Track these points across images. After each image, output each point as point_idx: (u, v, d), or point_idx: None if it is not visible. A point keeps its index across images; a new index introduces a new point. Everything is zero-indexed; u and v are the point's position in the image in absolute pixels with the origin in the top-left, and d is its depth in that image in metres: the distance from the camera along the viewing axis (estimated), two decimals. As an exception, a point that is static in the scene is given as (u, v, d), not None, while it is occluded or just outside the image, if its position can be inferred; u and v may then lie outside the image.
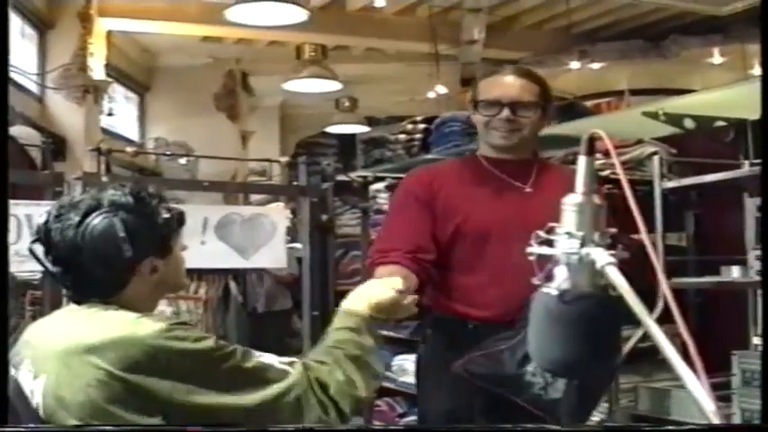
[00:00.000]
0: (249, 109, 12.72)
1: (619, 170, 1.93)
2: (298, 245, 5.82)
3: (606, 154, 1.98)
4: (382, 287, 2.56)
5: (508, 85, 3.44)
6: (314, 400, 2.26)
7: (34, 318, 6.59)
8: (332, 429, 2.03)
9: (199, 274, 6.27)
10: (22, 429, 1.46)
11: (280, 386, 2.25)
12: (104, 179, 5.07)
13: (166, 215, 2.43)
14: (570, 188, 1.86)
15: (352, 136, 9.44)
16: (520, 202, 3.36)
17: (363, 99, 11.69)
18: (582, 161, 1.90)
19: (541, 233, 1.87)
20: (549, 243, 1.86)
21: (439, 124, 6.83)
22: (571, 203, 1.85)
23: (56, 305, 5.16)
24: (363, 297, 2.50)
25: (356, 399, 2.33)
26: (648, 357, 4.63)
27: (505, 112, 3.38)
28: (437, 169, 3.70)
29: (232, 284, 6.06)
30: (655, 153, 4.82)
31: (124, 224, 2.30)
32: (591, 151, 1.91)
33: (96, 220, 2.29)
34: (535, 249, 1.87)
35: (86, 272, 2.31)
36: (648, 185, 4.70)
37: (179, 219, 2.50)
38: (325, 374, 2.29)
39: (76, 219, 2.30)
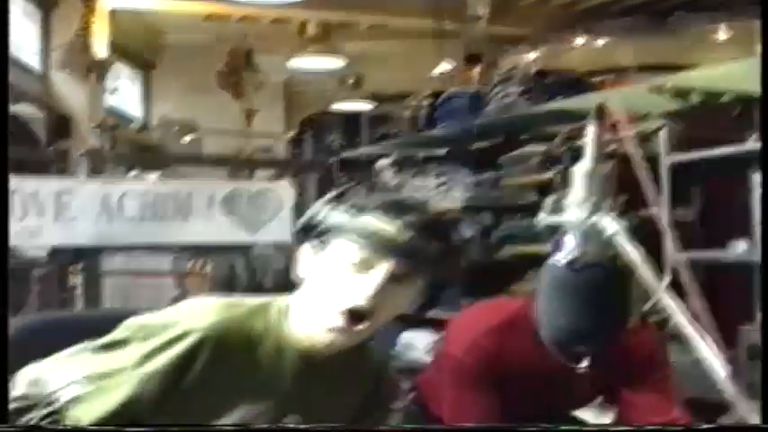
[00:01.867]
0: (254, 87, 12.67)
1: (628, 139, 1.92)
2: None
3: (613, 128, 1.97)
4: None
5: None
6: None
7: (40, 295, 6.62)
8: (333, 429, 2.00)
9: (206, 250, 6.29)
10: (23, 429, 1.45)
11: None
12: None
13: None
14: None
15: (357, 113, 9.42)
16: None
17: (368, 76, 11.66)
18: (591, 130, 1.90)
19: (550, 201, 1.87)
20: (558, 211, 1.85)
21: (444, 100, 6.83)
22: (580, 171, 1.84)
23: (63, 282, 5.19)
24: None
25: None
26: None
27: None
28: None
29: (238, 261, 6.06)
30: (661, 128, 4.81)
31: None
32: (600, 120, 1.90)
33: None
34: (544, 219, 1.87)
35: None
36: (654, 161, 4.69)
37: None
38: None
39: None
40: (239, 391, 2.21)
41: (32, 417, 2.19)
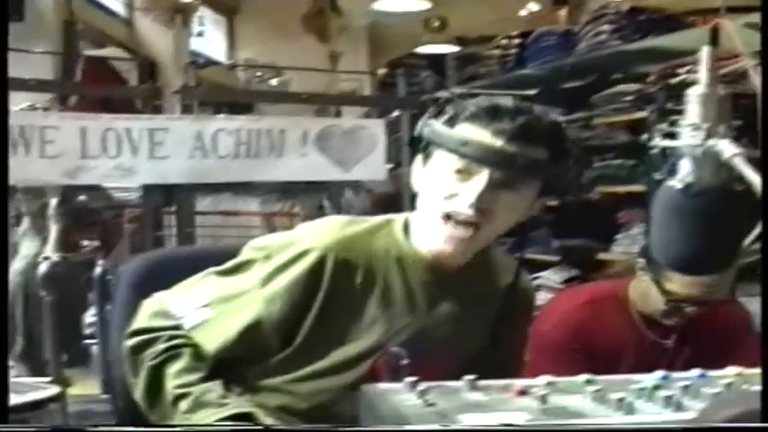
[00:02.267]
0: (338, 30, 12.64)
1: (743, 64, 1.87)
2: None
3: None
4: None
5: None
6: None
7: (133, 237, 6.69)
8: (333, 429, 1.99)
9: (294, 189, 6.29)
10: (24, 429, 1.46)
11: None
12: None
13: None
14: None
15: (442, 56, 9.34)
16: None
17: (453, 18, 11.56)
18: (705, 51, 1.84)
19: (665, 125, 1.82)
20: (673, 135, 1.81)
21: (534, 39, 6.76)
22: (695, 94, 1.79)
23: (157, 222, 5.22)
24: None
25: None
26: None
27: None
28: None
29: (326, 202, 6.06)
30: (758, 64, 4.70)
31: None
32: (714, 41, 1.84)
33: None
34: (659, 142, 1.82)
35: None
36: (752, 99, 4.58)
37: None
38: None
39: None
40: (371, 310, 2.22)
41: (154, 350, 2.22)
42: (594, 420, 1.59)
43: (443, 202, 2.12)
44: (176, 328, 2.24)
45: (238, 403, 2.16)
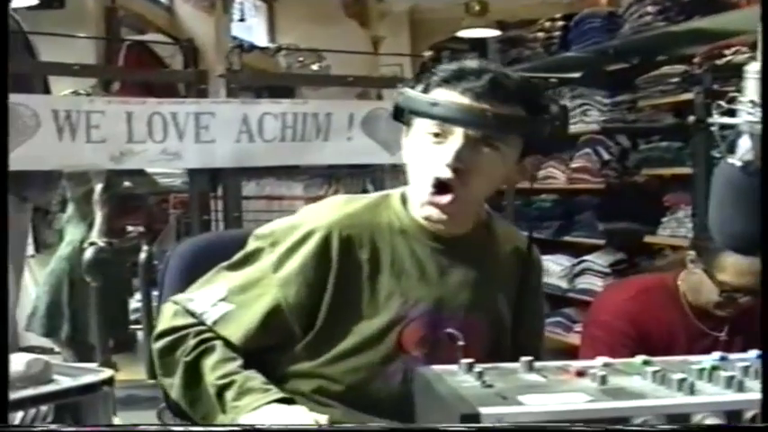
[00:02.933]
0: (379, 15, 12.63)
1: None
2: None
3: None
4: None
5: None
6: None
7: (179, 222, 6.71)
8: (333, 429, 1.98)
9: (338, 173, 6.29)
10: (24, 429, 1.46)
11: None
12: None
13: None
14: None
15: (483, 41, 9.30)
16: None
17: (493, 2, 11.50)
18: (761, 28, 1.81)
19: (723, 103, 1.80)
20: (732, 113, 1.78)
21: (578, 21, 6.71)
22: (753, 71, 1.77)
23: (204, 206, 5.22)
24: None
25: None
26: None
27: None
28: None
29: (370, 186, 6.05)
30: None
31: None
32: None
33: None
34: (717, 119, 1.80)
35: None
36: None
37: None
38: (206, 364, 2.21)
39: None
40: (384, 284, 2.24)
41: (185, 347, 2.22)
42: (656, 401, 1.57)
43: (426, 167, 2.15)
44: (200, 324, 2.26)
45: (280, 389, 2.17)
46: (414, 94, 2.18)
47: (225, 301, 2.24)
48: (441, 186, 2.14)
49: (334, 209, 2.29)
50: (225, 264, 2.33)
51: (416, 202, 2.23)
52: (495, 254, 2.36)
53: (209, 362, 2.19)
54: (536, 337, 2.42)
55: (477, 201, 2.26)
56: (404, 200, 2.30)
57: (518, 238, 2.41)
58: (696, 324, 3.38)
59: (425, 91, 2.17)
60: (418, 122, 2.18)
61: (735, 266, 3.14)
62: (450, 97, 2.12)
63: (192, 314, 2.27)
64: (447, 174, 2.11)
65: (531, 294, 2.41)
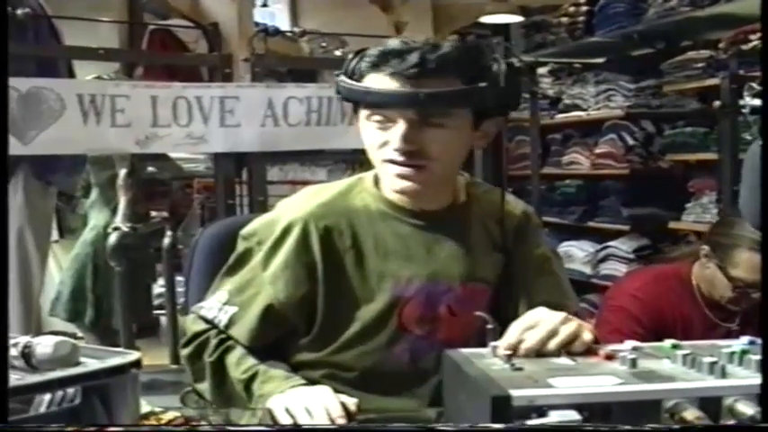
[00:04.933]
0: (401, 0, 12.60)
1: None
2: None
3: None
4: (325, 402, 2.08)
5: None
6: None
7: (203, 207, 6.71)
8: (333, 429, 1.98)
9: (360, 160, 6.27)
10: (25, 429, 1.46)
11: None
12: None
13: None
14: None
15: (506, 26, 9.28)
16: None
17: (517, -13, 11.47)
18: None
19: (755, 84, 1.79)
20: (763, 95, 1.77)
21: (603, 6, 6.68)
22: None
23: (230, 190, 5.21)
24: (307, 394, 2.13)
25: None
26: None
27: None
28: None
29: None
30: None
31: None
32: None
33: None
34: (749, 102, 1.79)
35: None
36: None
37: None
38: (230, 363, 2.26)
39: None
40: (372, 267, 2.26)
41: (209, 348, 2.29)
42: (689, 384, 1.57)
43: (379, 151, 2.16)
44: (216, 328, 2.31)
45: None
46: (349, 83, 2.17)
47: (228, 305, 2.29)
48: (402, 168, 2.15)
49: (307, 200, 2.31)
50: (224, 269, 2.37)
51: (385, 184, 2.25)
52: (481, 220, 2.35)
53: (232, 359, 2.25)
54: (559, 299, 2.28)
55: (444, 173, 2.23)
56: (376, 181, 2.31)
57: (508, 202, 2.37)
58: (708, 315, 3.40)
59: (358, 78, 2.16)
60: (361, 110, 2.20)
61: (748, 263, 3.15)
62: (380, 83, 2.11)
63: (207, 320, 2.32)
64: (399, 158, 2.12)
65: (532, 254, 2.38)
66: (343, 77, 2.20)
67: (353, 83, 2.16)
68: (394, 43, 2.15)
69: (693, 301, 3.41)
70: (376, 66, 2.12)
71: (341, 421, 1.97)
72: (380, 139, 2.14)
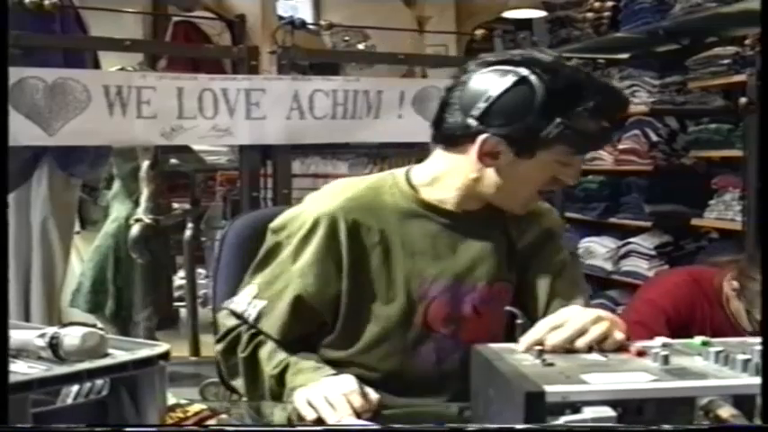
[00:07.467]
0: (424, -7, 12.57)
1: None
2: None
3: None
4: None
5: None
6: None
7: (225, 199, 6.72)
8: (334, 429, 1.98)
9: (383, 154, 6.28)
10: (23, 429, 1.45)
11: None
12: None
13: None
14: None
15: (529, 21, 9.26)
16: None
17: (540, -18, 11.44)
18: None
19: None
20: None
21: (628, 1, 6.65)
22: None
23: (254, 182, 5.21)
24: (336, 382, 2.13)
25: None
26: None
27: None
28: None
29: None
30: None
31: None
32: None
33: None
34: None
35: None
36: None
37: None
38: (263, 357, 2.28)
39: None
40: (398, 264, 2.27)
41: (241, 344, 2.30)
42: (723, 381, 1.56)
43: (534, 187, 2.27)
44: (246, 321, 2.32)
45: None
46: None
47: (258, 298, 2.30)
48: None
49: (336, 194, 2.31)
50: (254, 263, 2.38)
51: (447, 189, 2.28)
52: (505, 220, 2.36)
53: (263, 354, 2.26)
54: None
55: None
56: (408, 179, 2.32)
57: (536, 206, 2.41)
58: (736, 325, 3.39)
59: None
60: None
61: None
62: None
63: (238, 315, 2.33)
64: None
65: (552, 259, 2.39)
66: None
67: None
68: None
69: (722, 309, 3.40)
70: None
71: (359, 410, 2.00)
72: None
